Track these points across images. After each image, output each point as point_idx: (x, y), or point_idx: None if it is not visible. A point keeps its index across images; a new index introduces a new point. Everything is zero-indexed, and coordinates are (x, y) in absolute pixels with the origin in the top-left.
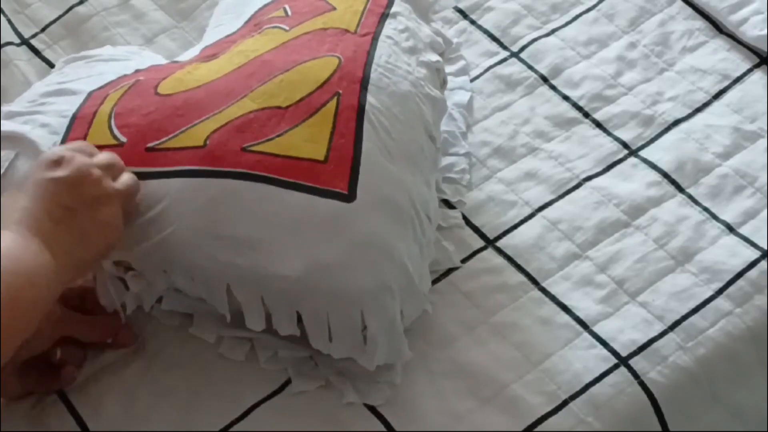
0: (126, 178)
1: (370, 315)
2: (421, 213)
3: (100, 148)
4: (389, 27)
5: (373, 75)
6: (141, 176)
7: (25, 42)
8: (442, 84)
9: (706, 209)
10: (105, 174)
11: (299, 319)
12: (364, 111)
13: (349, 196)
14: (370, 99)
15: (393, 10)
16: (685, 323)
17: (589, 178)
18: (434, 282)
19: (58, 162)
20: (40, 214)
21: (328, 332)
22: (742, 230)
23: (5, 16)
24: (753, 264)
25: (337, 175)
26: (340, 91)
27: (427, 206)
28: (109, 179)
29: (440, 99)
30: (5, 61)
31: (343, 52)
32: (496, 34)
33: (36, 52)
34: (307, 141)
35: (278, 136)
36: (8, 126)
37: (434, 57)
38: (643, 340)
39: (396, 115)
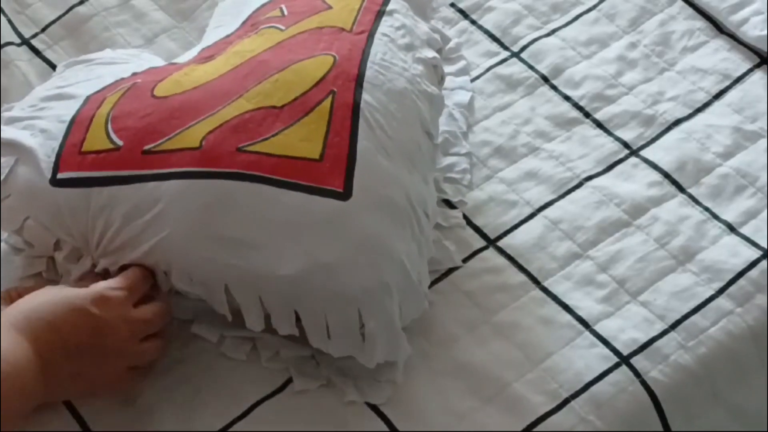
0: (155, 345)
1: (368, 314)
2: (418, 210)
3: (98, 153)
4: (385, 24)
5: (368, 72)
6: (138, 179)
7: (25, 42)
8: (440, 81)
9: (707, 209)
10: (135, 332)
11: (298, 319)
12: (359, 109)
13: (345, 194)
14: (366, 96)
15: (389, 7)
16: (686, 322)
17: (589, 178)
18: (435, 282)
19: (101, 301)
20: (51, 336)
21: (326, 331)
22: (743, 230)
23: (5, 16)
24: (754, 264)
25: (333, 173)
26: (335, 90)
27: (425, 204)
28: (137, 339)
29: (437, 95)
30: (5, 62)
31: (339, 51)
32: (497, 34)
33: (36, 52)
34: (303, 140)
35: (273, 135)
36: (7, 132)
37: (431, 54)
38: (645, 339)
39: (392, 113)
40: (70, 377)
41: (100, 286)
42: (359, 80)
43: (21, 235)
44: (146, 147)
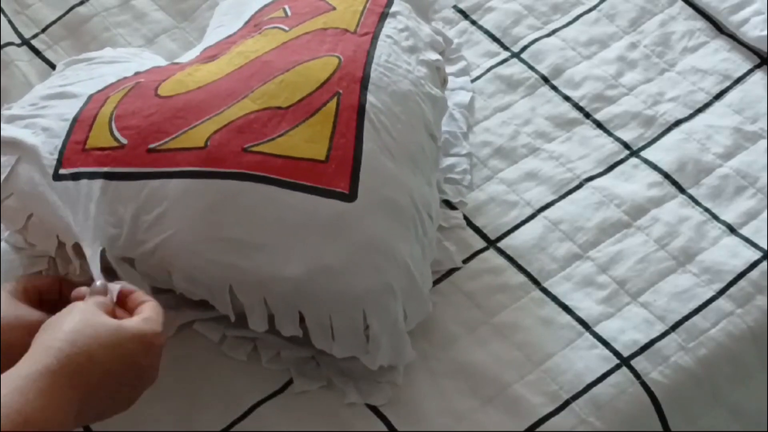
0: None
1: (373, 315)
2: (422, 212)
3: (102, 149)
4: (389, 26)
5: (373, 74)
6: (143, 176)
7: (25, 42)
8: (443, 83)
9: (707, 210)
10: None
11: (302, 320)
12: (364, 110)
13: (350, 196)
14: (371, 98)
15: (393, 9)
16: (686, 324)
17: (590, 179)
18: (436, 282)
19: (146, 344)
20: (91, 371)
21: (330, 333)
22: (743, 231)
23: (6, 16)
24: (754, 264)
25: (338, 175)
26: (341, 91)
27: (428, 206)
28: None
29: (440, 98)
30: (6, 62)
31: (343, 52)
32: (497, 34)
33: (37, 52)
34: (308, 141)
35: (279, 136)
36: (8, 131)
37: (434, 56)
38: (645, 340)
39: (396, 115)
40: (105, 408)
41: (141, 325)
42: (364, 82)
43: (24, 234)
44: (151, 145)
